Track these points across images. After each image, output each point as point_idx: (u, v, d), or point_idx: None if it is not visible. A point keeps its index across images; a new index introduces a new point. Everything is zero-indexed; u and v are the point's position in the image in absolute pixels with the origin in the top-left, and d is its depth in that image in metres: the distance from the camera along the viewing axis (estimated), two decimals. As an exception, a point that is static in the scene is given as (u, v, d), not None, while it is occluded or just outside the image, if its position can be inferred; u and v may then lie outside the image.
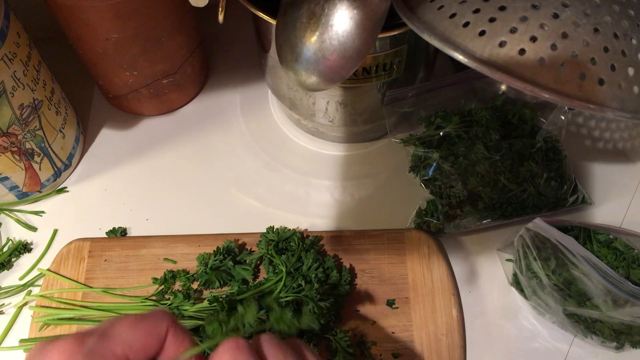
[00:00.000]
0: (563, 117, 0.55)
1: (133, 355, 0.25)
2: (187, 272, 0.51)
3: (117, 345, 0.25)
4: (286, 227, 0.53)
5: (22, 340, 0.49)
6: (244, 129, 0.63)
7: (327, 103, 0.53)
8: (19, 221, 0.57)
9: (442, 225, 0.53)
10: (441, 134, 0.55)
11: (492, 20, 0.34)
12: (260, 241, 0.52)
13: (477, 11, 0.34)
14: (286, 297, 0.47)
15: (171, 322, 0.27)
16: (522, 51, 0.33)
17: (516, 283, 0.51)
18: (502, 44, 0.33)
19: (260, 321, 0.45)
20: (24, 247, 0.55)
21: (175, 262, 0.52)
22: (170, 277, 0.51)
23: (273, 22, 0.44)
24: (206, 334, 0.32)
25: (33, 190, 0.56)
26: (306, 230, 0.54)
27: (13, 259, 0.54)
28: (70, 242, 0.54)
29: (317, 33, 0.35)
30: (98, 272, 0.52)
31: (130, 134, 0.63)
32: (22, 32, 0.48)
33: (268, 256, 0.50)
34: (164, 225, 0.56)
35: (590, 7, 0.33)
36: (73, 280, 0.51)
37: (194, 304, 0.48)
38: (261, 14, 0.45)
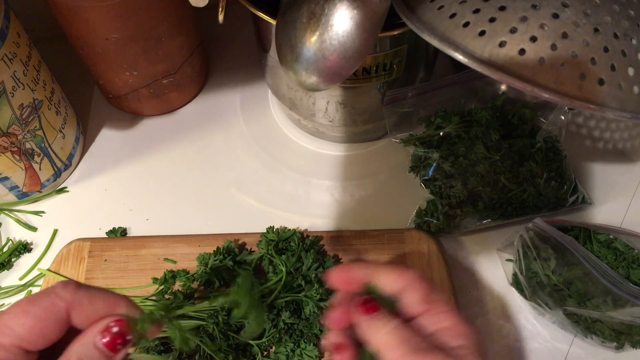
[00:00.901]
0: (563, 117, 0.55)
1: (27, 345, 0.24)
2: (187, 272, 0.51)
3: (5, 338, 0.24)
4: (286, 227, 0.53)
5: (22, 340, 0.49)
6: (244, 129, 0.63)
7: (327, 103, 0.53)
8: (19, 221, 0.57)
9: (442, 225, 0.53)
10: (441, 134, 0.55)
11: (492, 20, 0.34)
12: (260, 241, 0.52)
13: (477, 11, 0.34)
14: (286, 297, 0.47)
15: (72, 298, 0.25)
16: (522, 51, 0.33)
17: (516, 283, 0.51)
18: (502, 44, 0.33)
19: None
20: (24, 247, 0.55)
21: (175, 262, 0.52)
22: (170, 277, 0.51)
23: (273, 22, 0.44)
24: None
25: (33, 190, 0.56)
26: (306, 230, 0.54)
27: (13, 259, 0.54)
28: (70, 242, 0.54)
29: (317, 33, 0.35)
30: (98, 272, 0.52)
31: (130, 134, 0.63)
32: (22, 32, 0.48)
33: (268, 256, 0.50)
34: (164, 225, 0.56)
35: (590, 7, 0.33)
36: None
37: (194, 304, 0.48)
38: (261, 14, 0.45)
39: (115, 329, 0.25)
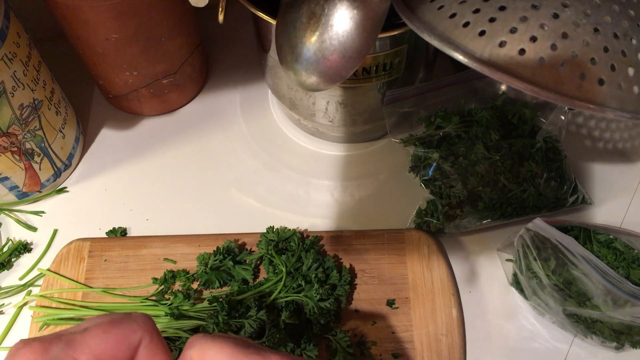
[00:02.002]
0: (563, 117, 0.55)
1: None
2: (187, 272, 0.51)
3: (82, 355, 0.24)
4: (286, 227, 0.53)
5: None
6: (244, 129, 0.63)
7: (327, 103, 0.53)
8: (19, 221, 0.57)
9: (442, 225, 0.53)
10: (441, 134, 0.55)
11: (492, 20, 0.34)
12: (260, 241, 0.52)
13: (477, 11, 0.34)
14: (286, 297, 0.47)
15: (146, 330, 0.26)
16: (522, 51, 0.33)
17: (516, 283, 0.51)
18: (502, 44, 0.33)
19: (259, 321, 0.45)
20: (24, 247, 0.55)
21: (175, 262, 0.52)
22: (170, 277, 0.51)
23: (273, 22, 0.44)
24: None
25: (33, 190, 0.56)
26: (306, 230, 0.54)
27: (13, 259, 0.54)
28: (70, 242, 0.54)
29: (317, 33, 0.35)
30: (98, 272, 0.52)
31: (130, 134, 0.63)
32: (22, 32, 0.48)
33: (268, 256, 0.50)
34: (164, 225, 0.56)
35: (590, 7, 0.33)
36: (73, 280, 0.51)
37: (194, 304, 0.48)
38: (261, 14, 0.45)
39: None
